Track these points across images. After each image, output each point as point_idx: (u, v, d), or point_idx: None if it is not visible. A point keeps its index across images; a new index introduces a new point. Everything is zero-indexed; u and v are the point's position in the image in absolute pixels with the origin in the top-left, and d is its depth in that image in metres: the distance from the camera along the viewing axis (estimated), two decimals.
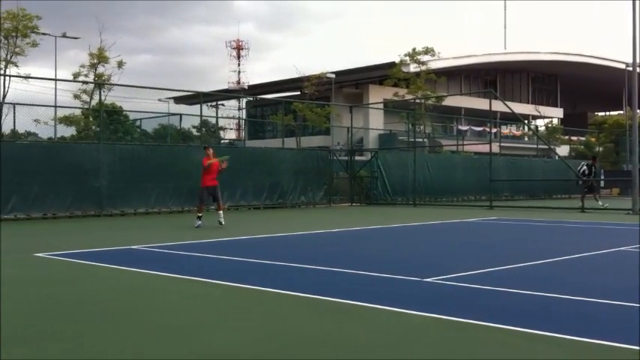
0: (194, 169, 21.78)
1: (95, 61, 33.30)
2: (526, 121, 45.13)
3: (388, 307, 5.87)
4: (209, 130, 44.21)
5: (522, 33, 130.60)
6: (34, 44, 30.77)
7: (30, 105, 22.92)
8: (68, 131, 34.49)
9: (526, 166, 35.88)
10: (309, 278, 7.86)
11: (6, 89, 29.47)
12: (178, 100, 56.16)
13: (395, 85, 42.68)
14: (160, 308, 6.09)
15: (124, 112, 37.80)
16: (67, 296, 6.69)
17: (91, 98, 33.02)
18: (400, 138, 42.96)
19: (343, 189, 28.63)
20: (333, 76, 44.30)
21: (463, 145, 40.69)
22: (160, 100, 42.82)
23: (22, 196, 18.10)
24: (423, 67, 41.58)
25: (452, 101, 48.15)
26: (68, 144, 23.75)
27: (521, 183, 33.76)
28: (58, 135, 31.03)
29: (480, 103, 49.44)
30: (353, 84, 53.29)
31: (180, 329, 5.17)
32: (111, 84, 31.66)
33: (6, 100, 27.51)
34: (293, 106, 41.15)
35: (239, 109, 66.61)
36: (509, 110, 28.82)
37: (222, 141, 49.79)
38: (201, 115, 26.97)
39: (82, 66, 33.70)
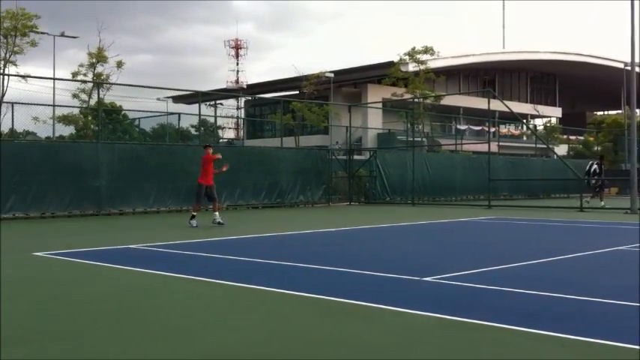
0: (193, 169, 21.78)
1: (94, 60, 33.27)
2: (525, 121, 45.10)
3: (391, 307, 5.86)
4: (208, 130, 44.17)
5: (521, 32, 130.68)
6: (33, 43, 30.73)
7: (29, 104, 22.91)
8: (67, 130, 34.50)
9: (525, 166, 35.88)
10: (311, 278, 7.85)
11: (5, 88, 29.44)
12: (177, 99, 56.16)
13: (394, 85, 42.69)
14: (161, 308, 6.08)
15: (123, 112, 37.78)
16: (66, 296, 6.68)
17: (90, 98, 33.00)
18: (399, 137, 42.96)
19: (342, 188, 28.63)
20: (332, 75, 44.30)
21: (462, 144, 40.69)
22: (158, 99, 42.91)
23: (20, 195, 18.07)
24: (422, 67, 41.57)
25: (450, 100, 48.17)
26: (67, 143, 23.73)
27: (520, 182, 33.77)
28: (57, 134, 31.03)
29: (479, 103, 49.46)
30: (352, 83, 53.29)
31: (182, 329, 5.16)
32: (109, 83, 31.65)
33: (5, 100, 27.46)
34: (292, 106, 41.14)
35: (238, 108, 66.64)
36: (507, 109, 28.83)
37: (221, 140, 49.73)
38: (199, 115, 26.95)
39: (81, 65, 33.69)
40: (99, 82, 30.30)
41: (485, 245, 11.98)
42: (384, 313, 5.69)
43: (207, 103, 56.60)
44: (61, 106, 30.36)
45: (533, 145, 45.55)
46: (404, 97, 39.74)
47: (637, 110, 22.51)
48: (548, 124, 62.36)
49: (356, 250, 11.02)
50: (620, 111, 61.36)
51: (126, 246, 11.16)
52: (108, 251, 10.59)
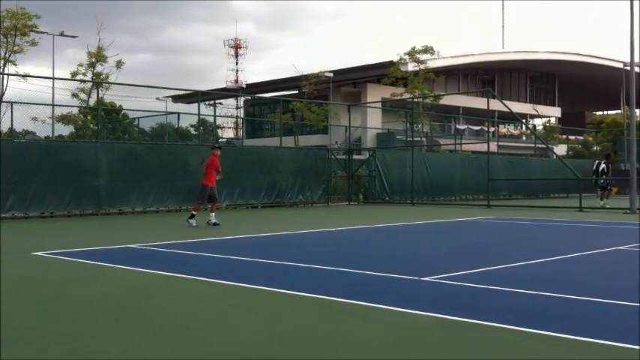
0: (192, 168, 21.83)
1: (93, 60, 33.27)
2: (524, 121, 45.11)
3: (390, 307, 5.87)
4: (207, 129, 44.15)
5: (520, 32, 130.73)
6: (33, 43, 30.74)
7: (28, 104, 22.92)
8: (66, 130, 34.51)
9: (524, 166, 35.88)
10: (311, 278, 7.85)
11: (4, 88, 29.44)
12: (176, 98, 56.16)
13: (393, 85, 42.69)
14: (161, 308, 6.08)
15: (123, 111, 37.76)
16: (66, 296, 6.68)
17: (89, 97, 33.00)
18: (398, 137, 42.95)
19: (341, 188, 28.63)
20: (331, 75, 44.29)
21: (461, 144, 40.69)
22: (157, 98, 42.86)
23: (20, 195, 18.06)
24: (422, 66, 41.58)
25: (450, 100, 48.18)
26: (66, 143, 23.72)
27: (519, 182, 33.78)
28: (56, 134, 31.01)
29: (478, 102, 49.47)
30: (351, 83, 53.29)
31: (182, 329, 5.16)
32: (109, 82, 31.66)
33: (4, 99, 27.47)
34: (291, 105, 41.13)
35: (237, 107, 66.66)
36: (507, 109, 28.82)
37: (220, 140, 49.71)
38: (199, 114, 26.95)
39: (80, 65, 33.70)
40: (98, 82, 30.28)
41: (484, 245, 11.98)
42: (384, 313, 5.70)
43: (207, 102, 56.57)
44: (60, 105, 30.40)
45: (533, 145, 45.55)
46: (403, 97, 39.74)
47: (636, 110, 22.52)
48: (548, 124, 62.37)
49: (355, 250, 11.02)
50: (619, 111, 61.38)
51: (125, 246, 11.15)
52: (107, 251, 10.59)
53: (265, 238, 12.95)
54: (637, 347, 4.49)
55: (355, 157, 30.83)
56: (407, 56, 42.02)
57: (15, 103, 21.74)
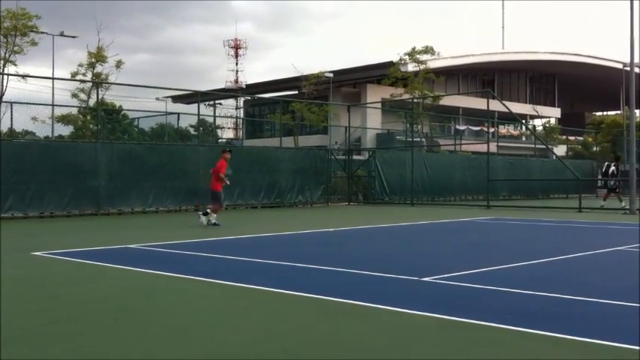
0: (192, 168, 21.84)
1: (93, 60, 33.28)
2: (524, 121, 45.12)
3: (389, 307, 5.87)
4: (207, 130, 44.15)
5: (520, 33, 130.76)
6: (33, 43, 30.75)
7: (28, 104, 22.90)
8: (65, 130, 34.52)
9: (523, 166, 35.89)
10: (310, 278, 7.86)
11: (4, 88, 29.45)
12: (176, 99, 56.15)
13: (393, 85, 42.69)
14: (160, 308, 6.08)
15: (122, 112, 37.76)
16: (66, 296, 6.68)
17: (89, 97, 33.00)
18: (398, 137, 42.96)
19: (341, 188, 28.64)
20: (331, 75, 44.29)
21: (461, 144, 40.70)
22: (157, 99, 42.87)
23: (19, 194, 18.07)
24: (422, 67, 41.58)
25: (450, 101, 48.17)
26: (66, 143, 23.72)
27: (519, 183, 33.78)
28: (56, 134, 31.02)
29: (478, 103, 49.46)
30: (351, 83, 53.28)
31: (181, 329, 5.16)
32: (109, 83, 31.67)
33: (4, 99, 27.47)
34: (291, 106, 41.12)
35: (237, 108, 66.67)
36: (506, 110, 28.81)
37: (220, 140, 49.75)
38: (198, 114, 26.94)
39: (80, 65, 33.71)
40: (98, 82, 30.29)
41: (483, 245, 11.99)
42: (383, 313, 5.70)
43: (207, 102, 56.55)
44: (60, 105, 30.40)
45: (532, 146, 45.52)
46: (403, 98, 39.74)
47: (636, 111, 22.54)
48: (547, 125, 62.38)
49: (354, 250, 11.02)
50: (619, 111, 61.40)
51: (125, 246, 11.15)
52: (107, 251, 10.59)
53: (264, 238, 12.95)
54: (636, 347, 4.50)
55: (355, 157, 30.85)
56: (407, 56, 42.03)
57: (15, 103, 21.72)
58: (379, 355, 4.44)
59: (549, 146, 35.33)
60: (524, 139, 58.92)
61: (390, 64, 42.73)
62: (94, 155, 19.68)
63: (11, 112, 21.32)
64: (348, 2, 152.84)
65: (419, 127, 41.58)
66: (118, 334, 5.03)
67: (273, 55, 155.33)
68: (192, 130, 41.10)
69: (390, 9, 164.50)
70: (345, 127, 31.23)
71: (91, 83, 31.89)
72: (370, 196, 28.82)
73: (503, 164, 34.02)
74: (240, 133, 62.99)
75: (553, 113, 66.65)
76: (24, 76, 27.37)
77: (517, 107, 51.63)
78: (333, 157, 28.32)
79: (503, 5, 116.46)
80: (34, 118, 26.13)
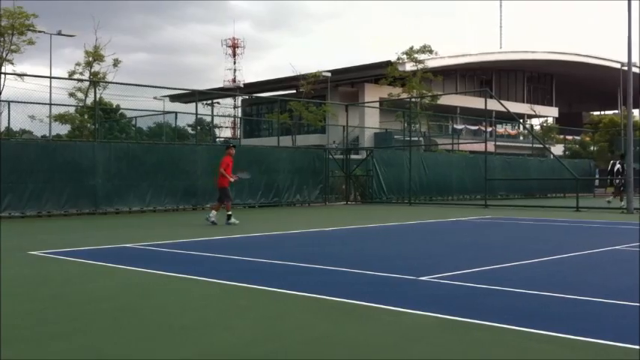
0: (189, 168, 21.82)
1: (91, 59, 33.21)
2: (521, 120, 45.16)
3: (389, 307, 5.85)
4: (204, 129, 44.11)
5: (518, 32, 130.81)
6: (31, 42, 30.67)
7: (25, 103, 22.86)
8: (63, 129, 34.43)
9: (521, 166, 35.94)
10: (307, 277, 7.83)
11: (1, 87, 29.38)
12: (174, 98, 55.98)
13: (391, 84, 42.69)
14: (158, 307, 6.05)
15: (120, 111, 37.71)
16: (64, 295, 6.66)
17: (86, 96, 32.94)
18: (396, 137, 42.94)
19: (339, 188, 28.63)
20: (329, 74, 44.27)
21: (459, 144, 40.72)
22: (155, 98, 42.66)
23: (16, 194, 18.03)
24: (420, 66, 41.59)
25: (447, 100, 48.17)
26: (63, 142, 23.66)
27: (517, 182, 33.83)
28: (53, 133, 30.95)
29: (476, 102, 49.44)
30: (349, 83, 53.27)
31: (179, 328, 5.14)
32: (106, 82, 31.61)
33: (1, 98, 27.40)
34: (289, 105, 41.10)
35: (235, 107, 66.56)
36: (504, 109, 28.83)
37: (218, 139, 49.69)
38: (196, 114, 26.94)
39: (78, 64, 33.63)
40: (95, 81, 30.23)
41: (481, 245, 11.98)
42: (382, 313, 5.68)
43: (204, 102, 56.51)
44: (57, 104, 30.28)
45: (530, 145, 45.56)
46: (401, 97, 39.73)
47: (634, 110, 22.55)
48: (545, 124, 62.42)
49: (352, 250, 11.00)
50: (616, 111, 61.47)
51: (123, 245, 11.13)
52: (105, 250, 10.56)
53: (263, 237, 12.94)
54: (637, 347, 4.48)
55: (353, 156, 30.85)
56: (405, 56, 42.03)
57: (12, 102, 21.68)
58: (380, 356, 4.42)
59: (547, 146, 35.33)
60: (521, 138, 58.95)
61: (388, 63, 42.73)
62: (91, 154, 19.65)
63: (9, 111, 21.29)
64: (345, 2, 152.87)
65: (417, 126, 41.58)
66: (117, 333, 5.01)
67: (271, 54, 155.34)
68: (189, 130, 41.05)
69: (388, 9, 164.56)
70: (343, 127, 31.22)
71: (88, 82, 31.82)
72: (368, 195, 28.82)
73: (501, 164, 34.06)
74: (238, 132, 62.92)
75: (551, 113, 66.69)
76: (21, 75, 27.29)
77: (515, 107, 51.68)
78: (330, 156, 28.31)
79: (500, 5, 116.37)
80: (32, 117, 26.07)
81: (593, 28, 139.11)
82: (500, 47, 62.98)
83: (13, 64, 30.58)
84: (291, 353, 4.49)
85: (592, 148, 49.75)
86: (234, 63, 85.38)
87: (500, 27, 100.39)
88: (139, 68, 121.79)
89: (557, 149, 46.50)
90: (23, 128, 28.56)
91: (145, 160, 20.90)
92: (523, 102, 63.17)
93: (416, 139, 38.25)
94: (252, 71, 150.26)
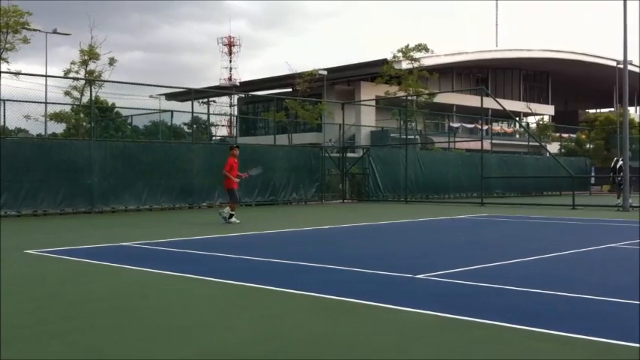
0: (186, 166, 21.78)
1: (86, 57, 33.11)
2: (517, 119, 45.20)
3: (387, 305, 5.84)
4: (200, 127, 44.07)
5: (514, 30, 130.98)
6: (25, 40, 30.56)
7: (20, 101, 22.78)
8: (58, 128, 34.32)
9: (517, 164, 35.97)
10: (305, 276, 7.82)
11: None
12: (170, 96, 55.87)
13: (387, 83, 42.68)
14: (157, 306, 6.03)
15: (116, 109, 37.61)
16: (62, 295, 6.63)
17: (82, 95, 32.85)
18: (392, 135, 42.94)
19: (335, 186, 28.62)
20: (325, 73, 44.22)
21: (455, 142, 40.74)
22: (151, 96, 42.58)
23: (12, 193, 17.98)
24: (416, 64, 41.59)
25: (443, 98, 48.19)
26: (59, 141, 23.59)
27: (513, 180, 33.87)
28: (49, 132, 30.85)
29: (472, 100, 49.52)
30: (345, 81, 53.23)
31: (179, 328, 5.12)
32: (102, 80, 31.52)
33: None
34: (285, 103, 41.04)
35: (230, 105, 66.44)
36: (500, 107, 28.88)
37: (214, 138, 49.62)
38: (192, 112, 26.88)
39: (73, 63, 33.53)
40: (91, 80, 30.14)
41: (477, 243, 11.97)
42: (381, 312, 5.67)
43: (200, 100, 56.40)
44: (53, 103, 30.20)
45: (526, 143, 45.58)
46: (397, 95, 39.72)
47: (630, 108, 22.58)
48: (541, 122, 62.49)
49: (349, 248, 10.99)
50: (612, 109, 61.56)
51: (119, 244, 11.10)
52: (101, 249, 10.52)
53: (259, 236, 12.92)
54: (637, 345, 4.48)
55: (349, 155, 30.84)
56: (400, 54, 42.02)
57: (7, 100, 21.60)
58: (380, 355, 4.41)
59: (543, 144, 35.37)
60: (518, 136, 59.02)
61: (384, 61, 42.71)
62: (87, 153, 19.60)
63: (4, 109, 21.19)
64: (345, 2, 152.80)
65: (413, 124, 41.57)
66: (115, 332, 4.99)
67: (267, 53, 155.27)
68: (185, 128, 41.00)
69: (385, 8, 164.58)
70: (339, 125, 31.20)
71: (84, 81, 31.73)
72: (364, 193, 28.81)
73: (497, 162, 34.08)
74: (234, 130, 62.83)
75: (547, 111, 66.77)
76: (16, 74, 27.21)
77: (511, 105, 51.74)
78: (327, 154, 28.30)
79: (497, 4, 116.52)
80: (27, 116, 25.98)
81: (589, 27, 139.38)
82: (497, 45, 63.09)
83: (8, 62, 30.50)
84: (290, 352, 4.48)
85: (588, 146, 49.83)
86: (230, 61, 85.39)
87: (497, 25, 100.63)
88: (135, 67, 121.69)
89: (553, 147, 46.53)
90: (19, 127, 28.45)
91: (141, 159, 20.85)
92: (519, 100, 63.25)
93: (412, 137, 38.23)
94: (249, 70, 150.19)
